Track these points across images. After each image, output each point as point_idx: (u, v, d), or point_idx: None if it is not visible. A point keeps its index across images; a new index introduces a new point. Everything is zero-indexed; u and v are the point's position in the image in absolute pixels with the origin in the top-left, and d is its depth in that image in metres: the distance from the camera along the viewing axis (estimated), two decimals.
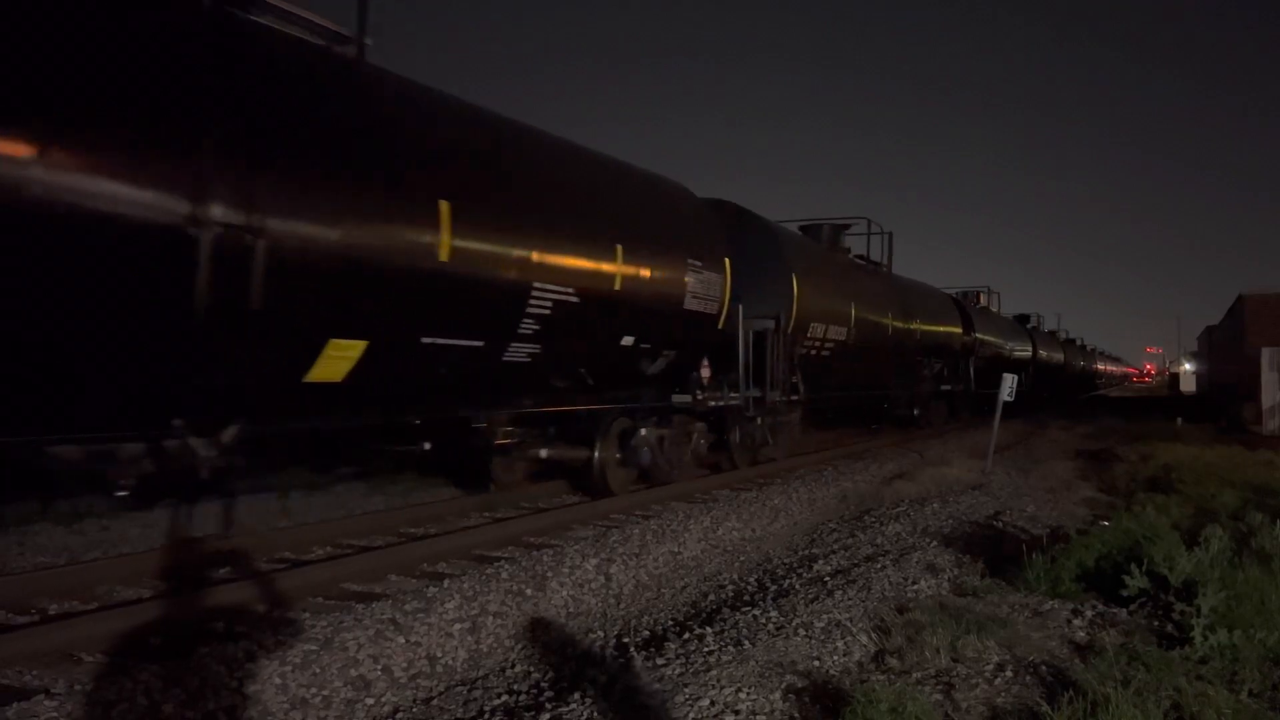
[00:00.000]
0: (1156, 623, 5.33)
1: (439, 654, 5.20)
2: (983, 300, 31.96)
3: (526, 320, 8.02)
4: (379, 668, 4.87)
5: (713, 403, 11.71)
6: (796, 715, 3.98)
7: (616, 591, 6.78)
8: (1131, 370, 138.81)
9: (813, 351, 14.70)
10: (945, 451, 16.60)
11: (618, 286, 9.20)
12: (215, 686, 4.39)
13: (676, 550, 7.91)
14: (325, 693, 4.55)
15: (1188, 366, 59.15)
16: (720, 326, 11.38)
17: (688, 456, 11.74)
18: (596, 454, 10.06)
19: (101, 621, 5.42)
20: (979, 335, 26.16)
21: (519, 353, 8.16)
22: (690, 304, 10.66)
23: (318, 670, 4.66)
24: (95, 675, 4.42)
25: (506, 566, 6.74)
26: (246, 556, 7.12)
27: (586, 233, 8.90)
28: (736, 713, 3.96)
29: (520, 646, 5.58)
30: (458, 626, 5.48)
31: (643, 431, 10.62)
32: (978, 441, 17.12)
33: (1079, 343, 62.36)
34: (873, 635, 5.11)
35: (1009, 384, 13.98)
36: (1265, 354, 20.49)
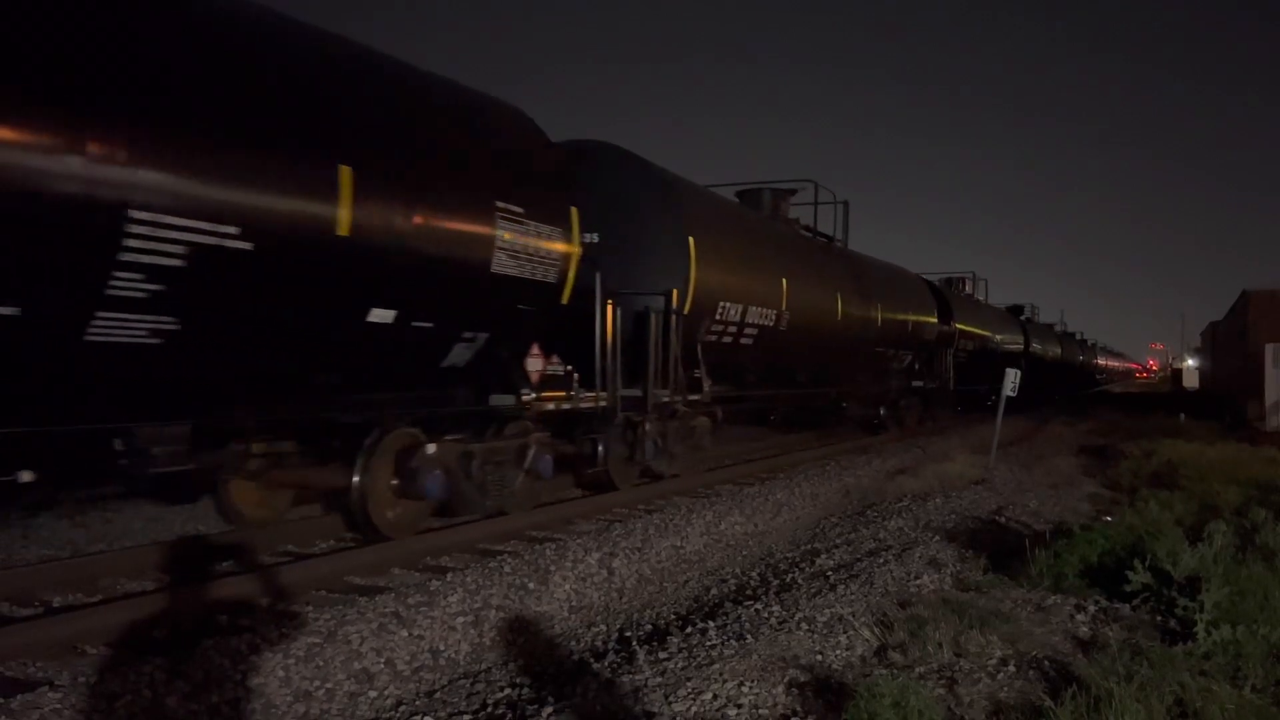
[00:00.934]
0: (1160, 618, 5.33)
1: (442, 647, 5.20)
2: (968, 287, 29.20)
3: (125, 275, 5.00)
4: (382, 660, 4.87)
5: (553, 405, 8.91)
6: (799, 709, 3.99)
7: (619, 585, 6.78)
8: (1135, 366, 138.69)
9: (726, 339, 11.94)
10: (948, 447, 16.60)
11: (344, 231, 6.12)
12: (219, 679, 4.39)
13: (679, 544, 7.92)
14: (328, 685, 4.56)
15: (1191, 362, 59.08)
16: (566, 302, 8.57)
17: (519, 479, 8.60)
18: (356, 479, 7.18)
19: (105, 614, 5.43)
20: (960, 325, 23.56)
21: (123, 328, 5.15)
22: (504, 267, 7.64)
23: (321, 663, 4.67)
24: (99, 667, 4.43)
25: (509, 560, 6.75)
26: (249, 549, 7.12)
27: (271, 137, 5.77)
28: (739, 707, 3.96)
29: (523, 640, 5.58)
30: (461, 620, 5.48)
31: (430, 449, 7.53)
32: (982, 437, 17.10)
33: (1079, 337, 60.98)
34: (875, 630, 5.11)
35: (1011, 379, 13.95)
36: (1269, 350, 20.44)
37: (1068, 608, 5.61)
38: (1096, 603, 5.70)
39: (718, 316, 11.56)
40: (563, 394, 9.06)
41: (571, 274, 8.57)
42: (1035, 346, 35.92)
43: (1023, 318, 37.45)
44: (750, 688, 4.15)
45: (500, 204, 7.62)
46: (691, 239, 10.83)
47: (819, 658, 4.67)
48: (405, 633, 5.16)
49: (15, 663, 4.84)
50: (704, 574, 7.50)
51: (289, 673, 4.54)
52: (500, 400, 8.41)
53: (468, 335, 7.67)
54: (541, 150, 8.74)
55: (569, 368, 9.19)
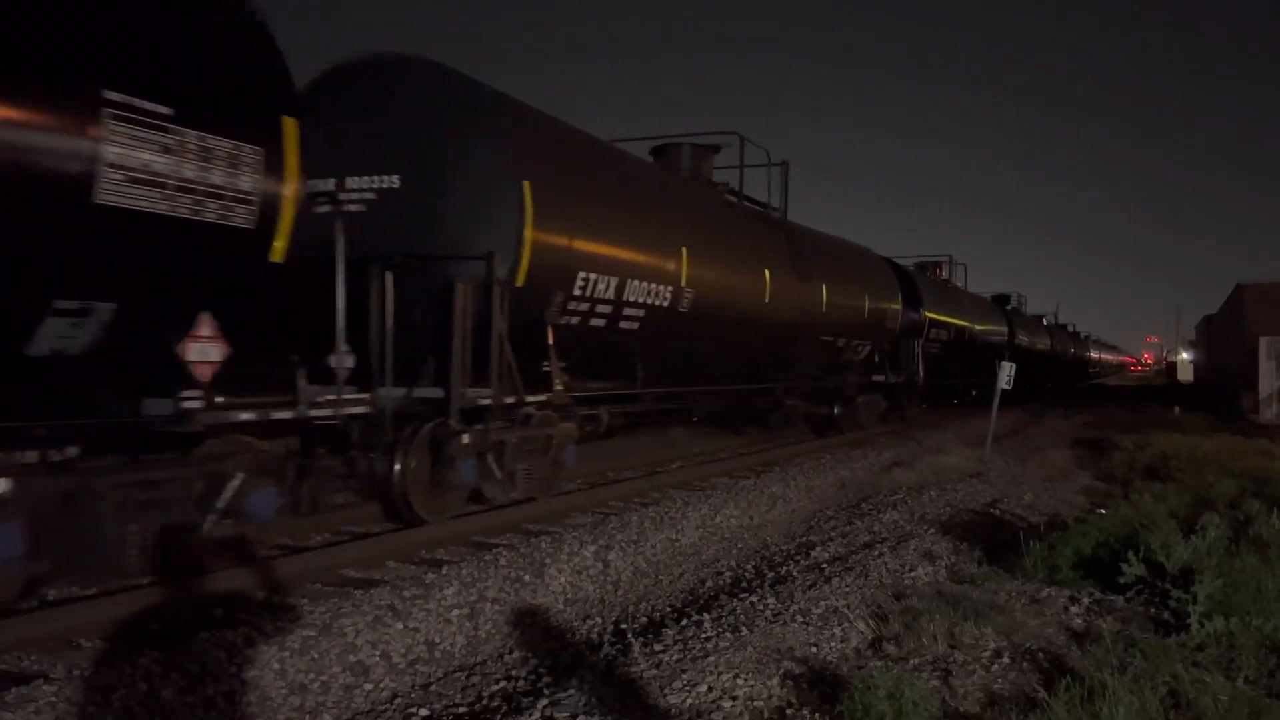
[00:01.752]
0: (1153, 610, 5.34)
1: (437, 640, 5.21)
2: (944, 273, 26.89)
3: None
4: (377, 653, 4.88)
5: (251, 415, 6.17)
6: (794, 701, 3.99)
7: (615, 578, 6.79)
8: (1129, 359, 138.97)
9: (595, 322, 9.40)
10: (943, 440, 16.61)
11: None
12: (214, 672, 4.40)
13: (675, 537, 7.93)
14: (324, 678, 4.57)
15: (1185, 356, 59.19)
16: (280, 260, 5.89)
17: (205, 523, 5.94)
18: None
19: (101, 607, 5.43)
20: (930, 313, 21.38)
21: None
22: (126, 197, 4.88)
23: (316, 656, 4.67)
24: (94, 660, 4.43)
25: (505, 553, 6.76)
26: (245, 543, 7.11)
27: None
28: (734, 699, 3.97)
29: (519, 633, 5.59)
30: (456, 613, 5.49)
31: None
32: (977, 431, 17.13)
33: (1071, 329, 59.54)
34: (870, 622, 5.12)
35: (1006, 372, 13.97)
36: (1263, 343, 20.51)
37: (1062, 600, 5.63)
38: (1091, 595, 5.72)
39: (578, 292, 8.93)
40: (276, 399, 6.45)
41: (287, 220, 5.85)
42: (1021, 338, 34.14)
43: (1008, 307, 35.80)
44: (745, 680, 4.15)
45: (112, 95, 4.74)
46: (527, 184, 8.06)
47: (814, 650, 4.68)
48: (400, 625, 5.17)
49: (10, 656, 4.84)
50: (699, 566, 7.51)
51: (284, 665, 4.55)
52: (157, 407, 5.55)
53: (68, 306, 4.85)
54: (223, 22, 5.75)
55: (296, 358, 6.56)
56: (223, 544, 6.08)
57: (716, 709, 3.88)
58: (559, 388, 8.95)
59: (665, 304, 10.54)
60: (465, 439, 7.85)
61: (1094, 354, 77.30)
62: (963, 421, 20.90)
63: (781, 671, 4.28)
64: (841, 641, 4.84)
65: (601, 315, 9.50)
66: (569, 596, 6.29)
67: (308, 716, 4.35)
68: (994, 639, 4.77)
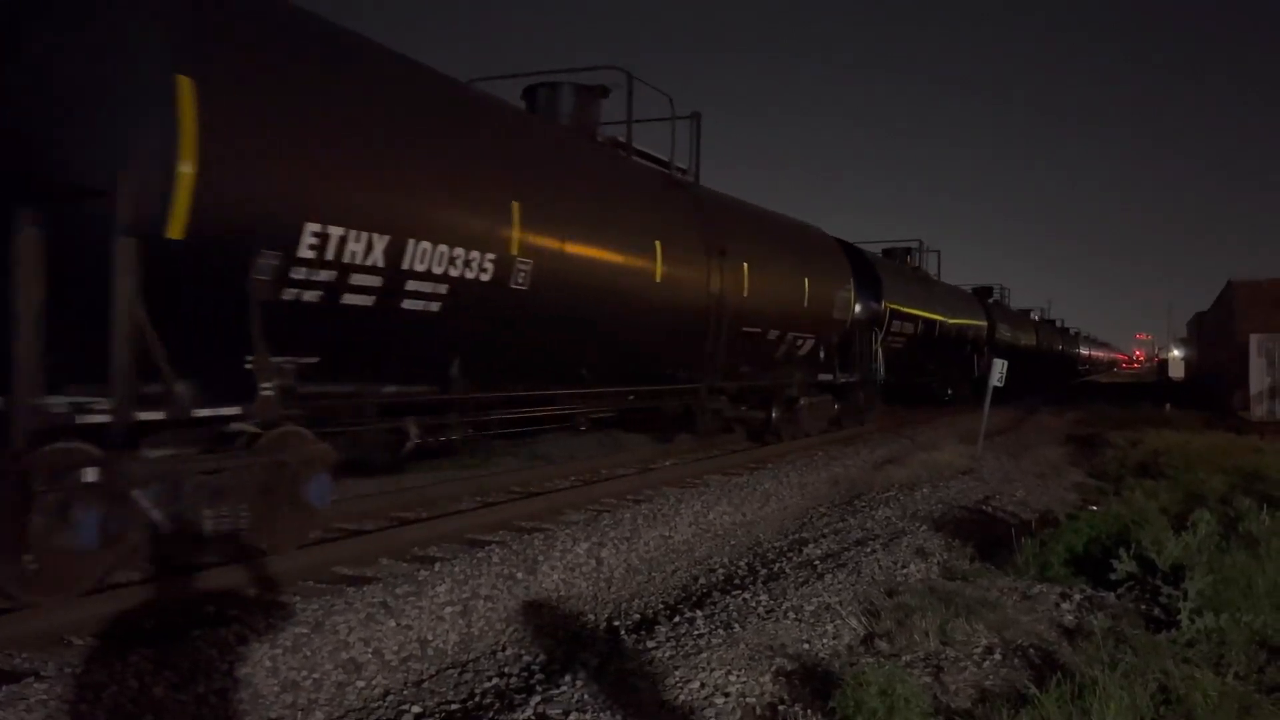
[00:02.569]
0: (1144, 606, 5.37)
1: (430, 637, 5.20)
2: (914, 261, 24.15)
3: None
4: (370, 651, 4.87)
5: None
6: (786, 697, 4.00)
7: (608, 575, 6.79)
8: (1121, 356, 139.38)
9: (347, 298, 6.60)
10: (936, 437, 16.66)
11: None
12: (206, 669, 4.39)
13: (668, 534, 7.93)
14: (316, 675, 4.56)
15: (1176, 353, 59.37)
16: None
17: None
18: None
19: (92, 605, 5.40)
20: (892, 304, 19.11)
21: None
22: None
23: (309, 653, 4.67)
24: (85, 658, 4.42)
25: (498, 550, 6.75)
26: (237, 540, 7.10)
27: None
28: (727, 695, 3.98)
29: (512, 630, 5.59)
30: (449, 610, 5.48)
31: None
32: (969, 427, 17.17)
33: (1059, 324, 58.02)
34: (862, 619, 5.13)
35: (998, 370, 13.99)
36: (1254, 341, 20.58)
37: (1053, 596, 5.65)
38: (1082, 591, 5.74)
39: (308, 253, 6.15)
40: None
41: None
42: (1003, 332, 31.77)
43: (990, 300, 33.50)
44: (738, 676, 4.16)
45: None
46: (187, 81, 5.36)
47: (806, 646, 4.69)
48: (393, 623, 5.16)
49: (1, 654, 4.82)
50: (692, 563, 7.52)
51: (276, 663, 4.54)
52: None
53: None
54: None
55: None
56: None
57: (709, 705, 3.89)
58: (267, 394, 6.13)
59: (487, 278, 7.71)
60: (89, 479, 5.11)
61: (1084, 351, 76.68)
62: (953, 419, 20.95)
63: (774, 668, 4.29)
64: (834, 638, 4.85)
65: (364, 290, 6.65)
66: (562, 593, 6.29)
67: (300, 714, 4.35)
68: (986, 635, 4.79)
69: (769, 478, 10.89)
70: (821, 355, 15.58)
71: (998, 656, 4.53)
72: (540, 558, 6.60)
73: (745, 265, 12.24)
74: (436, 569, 6.17)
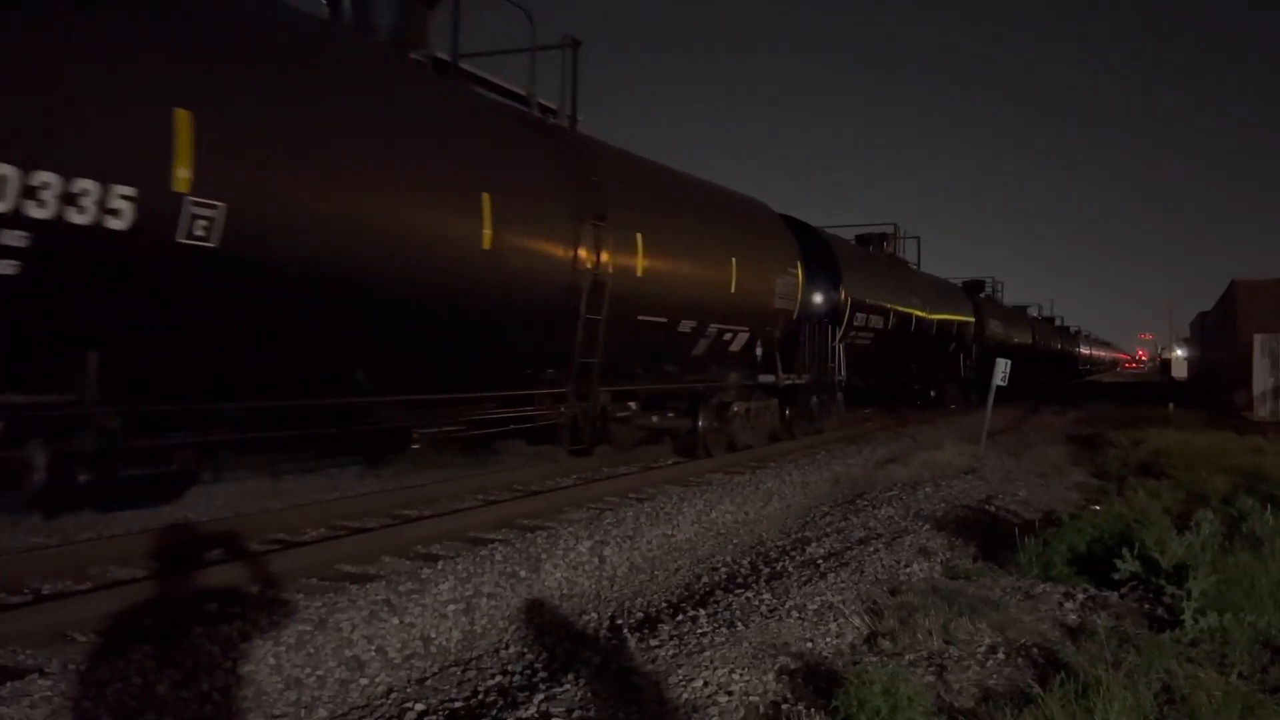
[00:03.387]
0: (1147, 606, 5.37)
1: (433, 635, 5.21)
2: (889, 247, 21.80)
3: None
4: (373, 648, 4.87)
5: None
6: (789, 696, 4.00)
7: (610, 573, 6.79)
8: (1123, 356, 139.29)
9: None
10: (937, 436, 16.66)
11: None
12: (209, 666, 4.39)
13: (670, 533, 7.93)
14: (319, 673, 4.56)
15: (1179, 352, 59.34)
16: None
17: None
18: None
19: (95, 602, 5.41)
20: (855, 294, 16.61)
21: None
22: None
23: (312, 650, 4.67)
24: (89, 655, 4.42)
25: (500, 548, 6.75)
26: (240, 537, 7.11)
27: None
28: (730, 694, 3.98)
29: (514, 628, 5.59)
30: (452, 608, 5.49)
31: None
32: (972, 427, 17.16)
33: (1059, 323, 56.39)
34: (865, 617, 5.13)
35: (1002, 369, 13.96)
36: (1257, 340, 20.58)
37: (1056, 596, 5.64)
38: (1085, 591, 5.74)
39: None
40: None
41: None
42: (995, 329, 29.53)
43: (982, 295, 31.02)
44: (741, 675, 4.16)
45: None
46: None
47: (809, 645, 4.69)
48: (396, 620, 5.16)
49: (4, 650, 4.83)
50: (695, 562, 7.52)
51: (280, 660, 4.54)
52: None
53: None
54: None
55: None
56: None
57: (712, 704, 3.89)
58: None
59: (121, 226, 5.11)
60: None
61: (1085, 350, 75.44)
62: (955, 419, 20.93)
63: (777, 667, 4.29)
64: (837, 637, 4.85)
65: None
66: (565, 592, 6.29)
67: (303, 711, 4.35)
68: (989, 635, 4.79)
69: (771, 477, 10.88)
70: (760, 352, 13.21)
71: (1001, 656, 4.53)
72: (543, 556, 6.60)
73: (639, 237, 9.82)
74: (439, 567, 6.17)
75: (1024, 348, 35.37)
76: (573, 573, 6.54)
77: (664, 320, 10.63)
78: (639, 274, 9.93)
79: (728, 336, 12.07)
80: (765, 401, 13.80)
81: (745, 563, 7.44)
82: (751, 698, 3.96)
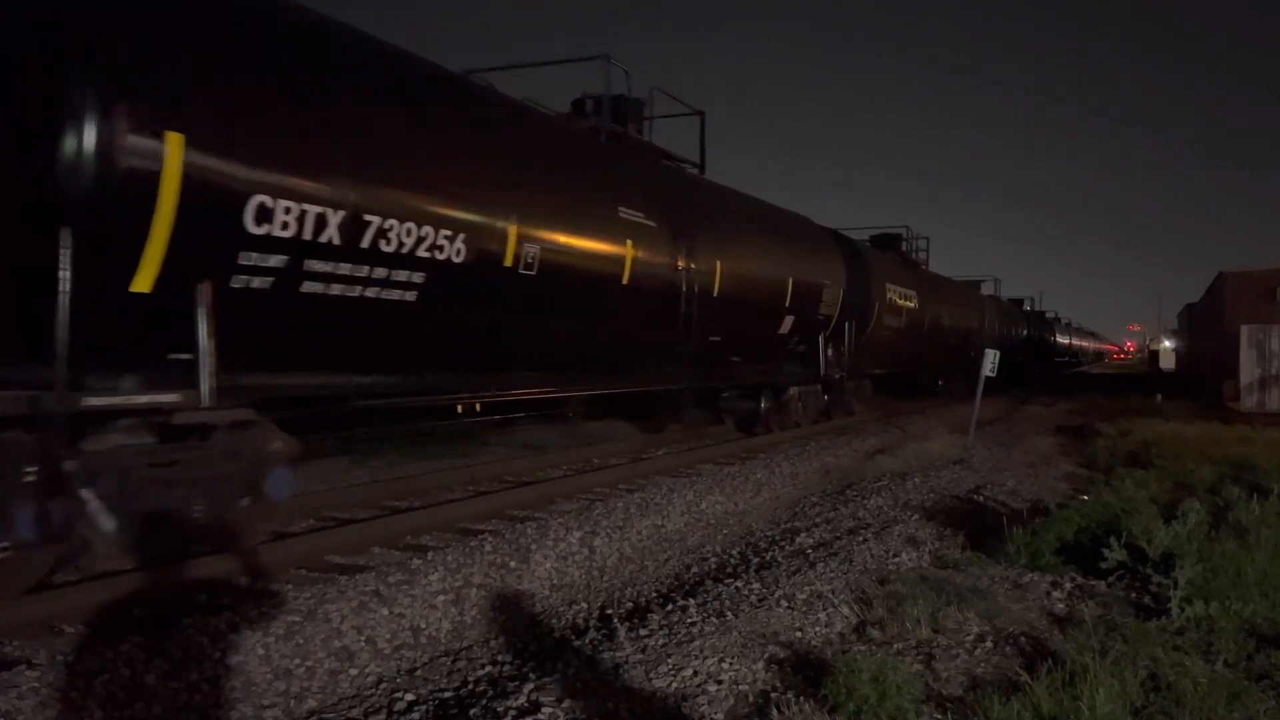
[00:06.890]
0: (1134, 594, 5.40)
1: (423, 625, 5.21)
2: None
3: None
4: (363, 639, 4.87)
5: None
6: (779, 685, 4.01)
7: (600, 564, 6.80)
8: (1111, 347, 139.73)
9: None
10: (927, 427, 16.70)
11: None
12: (198, 657, 4.38)
13: (660, 523, 7.94)
14: (309, 663, 4.56)
15: (1167, 344, 59.56)
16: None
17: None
18: None
19: (83, 593, 5.39)
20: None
21: None
22: None
23: (301, 641, 4.66)
24: (77, 646, 4.41)
25: (490, 539, 6.75)
26: (229, 528, 7.08)
27: None
28: (719, 683, 3.99)
29: (504, 618, 5.59)
30: (441, 598, 5.49)
31: None
32: (960, 417, 17.21)
33: (1052, 316, 56.85)
34: (854, 607, 5.15)
35: (991, 360, 14.02)
36: (1244, 331, 20.65)
37: (1044, 585, 5.67)
38: (1072, 579, 5.77)
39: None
40: None
41: None
42: (995, 323, 29.47)
43: (982, 290, 31.20)
44: (730, 664, 4.17)
45: None
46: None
47: (799, 634, 4.70)
48: (386, 611, 5.16)
49: None
50: (685, 552, 7.53)
51: (269, 651, 4.54)
52: None
53: None
54: None
55: None
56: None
57: (701, 693, 3.90)
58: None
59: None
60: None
61: (1070, 341, 75.43)
62: (943, 409, 21.00)
63: (766, 656, 4.30)
64: (826, 626, 4.87)
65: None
66: (555, 582, 6.30)
67: (293, 701, 4.34)
68: (977, 623, 4.81)
69: (761, 467, 10.90)
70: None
71: (989, 644, 4.55)
72: (533, 546, 6.60)
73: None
74: (429, 557, 6.17)
75: (1021, 340, 36.66)
76: (563, 563, 6.55)
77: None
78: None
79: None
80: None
81: (735, 553, 7.45)
82: (741, 686, 3.97)
